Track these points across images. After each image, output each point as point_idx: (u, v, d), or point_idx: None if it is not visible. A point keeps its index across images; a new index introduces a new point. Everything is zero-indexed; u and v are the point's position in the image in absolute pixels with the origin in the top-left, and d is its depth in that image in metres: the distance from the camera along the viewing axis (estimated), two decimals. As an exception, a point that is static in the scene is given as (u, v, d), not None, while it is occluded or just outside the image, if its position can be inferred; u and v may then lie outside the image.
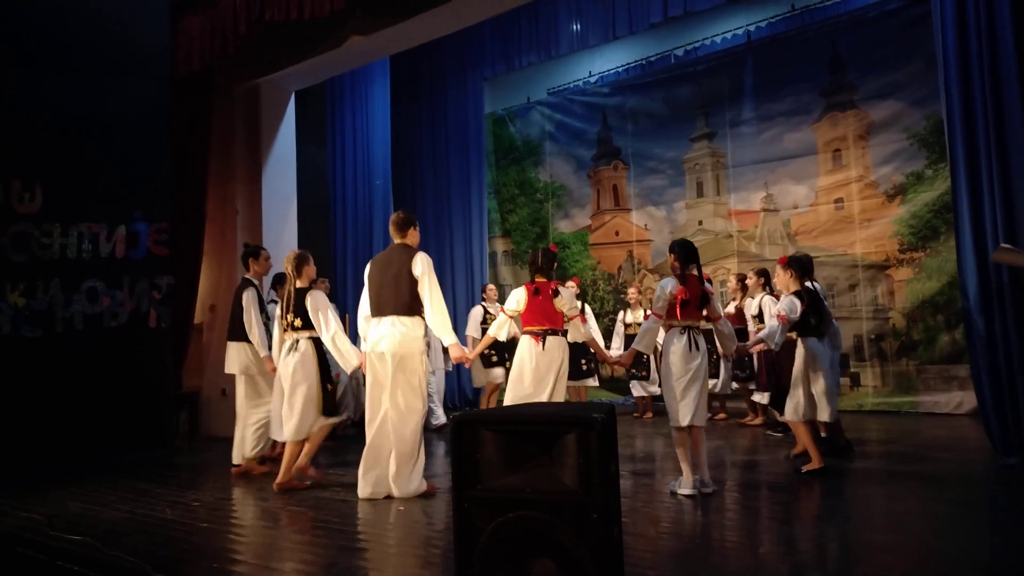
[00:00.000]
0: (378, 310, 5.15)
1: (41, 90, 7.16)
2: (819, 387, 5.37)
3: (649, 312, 5.21)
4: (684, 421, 4.82)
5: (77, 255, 7.23)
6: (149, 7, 7.72)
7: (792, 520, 4.47)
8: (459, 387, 10.19)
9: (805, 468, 5.32)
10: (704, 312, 5.00)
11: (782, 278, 5.62)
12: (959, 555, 3.61)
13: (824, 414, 5.39)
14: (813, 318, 5.41)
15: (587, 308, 8.52)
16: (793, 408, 5.41)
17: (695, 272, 5.00)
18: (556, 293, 5.35)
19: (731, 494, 4.98)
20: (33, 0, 7.18)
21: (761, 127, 9.28)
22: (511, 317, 5.54)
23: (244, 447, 6.18)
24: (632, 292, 8.97)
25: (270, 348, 5.97)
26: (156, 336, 7.58)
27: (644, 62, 10.25)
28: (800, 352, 5.45)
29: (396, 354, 5.03)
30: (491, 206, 11.25)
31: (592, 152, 10.74)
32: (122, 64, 7.53)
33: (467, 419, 2.80)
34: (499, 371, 8.18)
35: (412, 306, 5.08)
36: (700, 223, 9.77)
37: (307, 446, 5.52)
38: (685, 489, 4.82)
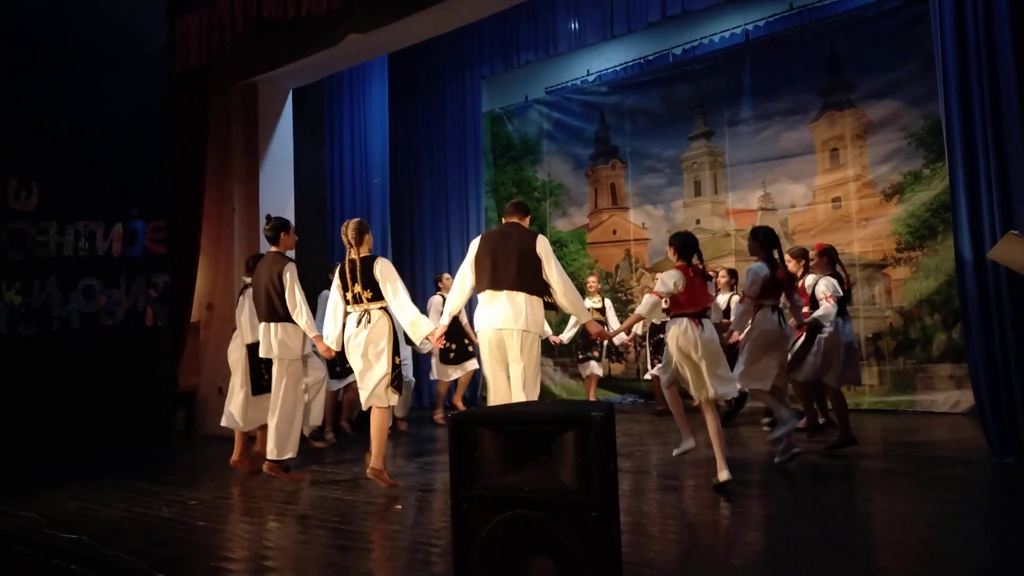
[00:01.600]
0: (499, 284, 4.94)
1: (38, 88, 7.14)
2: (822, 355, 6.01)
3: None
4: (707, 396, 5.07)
5: (74, 253, 7.21)
6: (146, 5, 7.71)
7: (790, 519, 4.47)
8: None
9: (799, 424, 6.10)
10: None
11: (819, 263, 6.33)
12: (957, 555, 3.61)
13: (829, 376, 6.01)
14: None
15: (607, 302, 8.85)
16: (750, 377, 5.63)
17: (697, 263, 5.24)
18: (708, 277, 5.49)
19: (729, 492, 4.98)
20: (30, -2, 7.18)
21: (759, 126, 9.28)
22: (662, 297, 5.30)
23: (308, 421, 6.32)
24: (591, 280, 9.07)
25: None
26: (153, 334, 7.57)
27: (642, 61, 10.25)
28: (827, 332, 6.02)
29: (522, 332, 4.86)
30: (489, 205, 11.23)
31: (590, 151, 10.73)
32: (119, 62, 7.51)
33: (465, 418, 2.79)
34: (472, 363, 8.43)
35: (536, 285, 4.93)
36: (698, 222, 9.77)
37: (376, 434, 5.29)
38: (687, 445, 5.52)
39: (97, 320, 7.27)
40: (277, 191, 8.73)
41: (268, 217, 6.05)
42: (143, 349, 7.50)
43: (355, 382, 7.34)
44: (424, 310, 6.94)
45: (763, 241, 5.52)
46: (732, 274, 7.99)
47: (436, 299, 8.59)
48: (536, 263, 4.92)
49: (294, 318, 5.58)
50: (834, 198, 8.77)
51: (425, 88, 11.00)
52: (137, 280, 7.49)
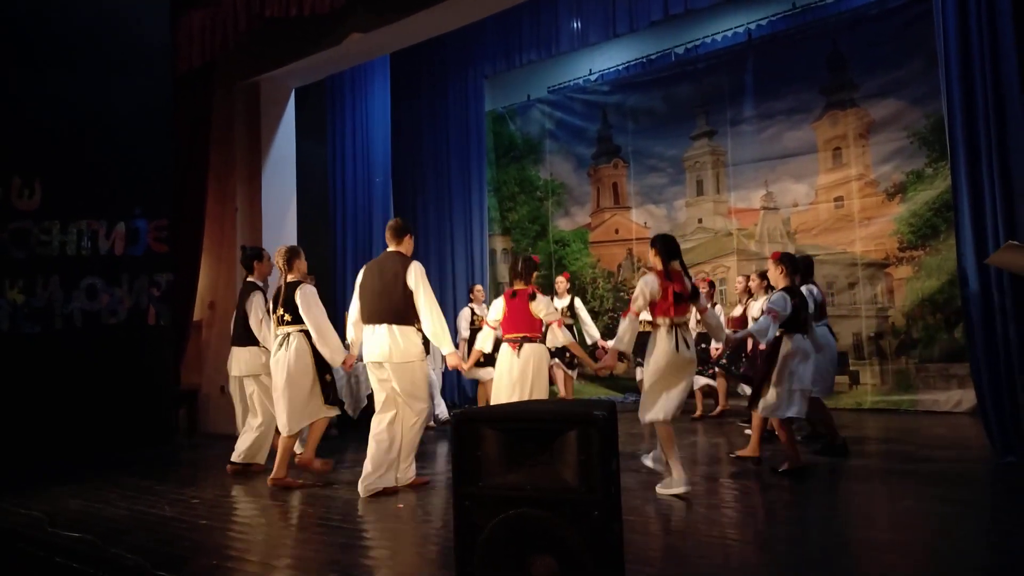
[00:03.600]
0: (370, 318, 5.17)
1: (41, 87, 7.15)
2: (795, 384, 5.32)
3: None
4: (668, 416, 4.74)
5: (76, 252, 7.22)
6: (149, 4, 7.72)
7: (792, 518, 4.47)
8: (459, 385, 10.19)
9: (782, 468, 5.31)
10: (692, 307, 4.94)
11: (772, 273, 5.61)
12: (959, 554, 3.61)
13: (792, 410, 5.30)
14: (802, 314, 5.42)
15: (577, 302, 8.24)
16: (772, 405, 5.35)
17: (679, 267, 4.92)
18: (532, 297, 5.39)
19: (731, 491, 4.99)
20: (33, -3, 7.18)
21: (761, 125, 9.27)
22: (494, 328, 5.59)
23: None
24: (560, 280, 8.50)
25: None
26: (155, 333, 7.58)
27: (644, 60, 10.25)
28: (785, 348, 5.38)
29: (395, 364, 5.06)
30: (491, 204, 11.24)
31: (592, 150, 10.73)
32: (122, 61, 7.51)
33: (468, 416, 2.79)
34: (487, 370, 8.25)
35: (407, 315, 5.10)
36: (700, 221, 9.77)
37: (309, 437, 5.58)
38: (678, 488, 4.72)
39: (99, 319, 7.27)
40: (279, 190, 8.73)
41: (243, 248, 6.50)
42: (145, 348, 7.50)
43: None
44: (450, 320, 7.04)
45: (660, 249, 4.89)
46: (764, 276, 7.02)
47: (465, 312, 8.52)
48: (408, 293, 5.08)
49: (259, 339, 6.04)
50: (836, 197, 8.76)
51: (427, 87, 11.00)
52: (139, 279, 7.49)
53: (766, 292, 7.09)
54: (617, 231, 10.53)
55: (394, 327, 5.07)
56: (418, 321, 5.13)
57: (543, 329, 5.51)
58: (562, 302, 8.26)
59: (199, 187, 8.44)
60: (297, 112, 9.08)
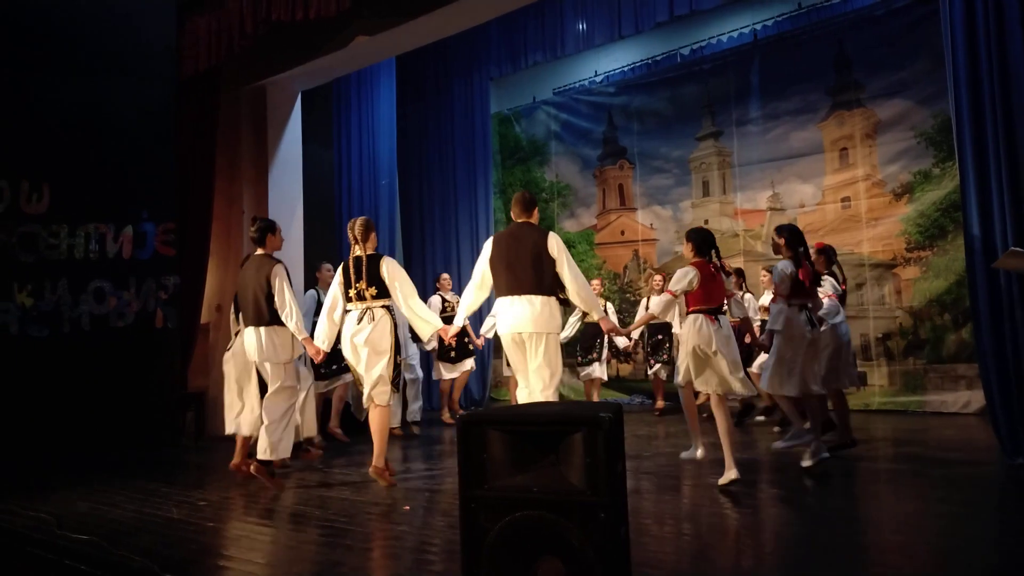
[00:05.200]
0: (510, 289, 5.02)
1: (49, 91, 7.19)
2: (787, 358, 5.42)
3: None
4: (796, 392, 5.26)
5: (84, 255, 7.25)
6: (156, 7, 7.74)
7: (799, 519, 4.45)
8: (465, 387, 10.17)
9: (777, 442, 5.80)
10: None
11: (818, 260, 5.95)
12: (968, 556, 3.59)
13: (790, 388, 5.41)
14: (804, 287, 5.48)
15: (609, 307, 8.71)
16: (779, 381, 5.44)
17: (716, 260, 5.26)
18: (726, 274, 5.49)
19: (739, 492, 4.97)
20: (41, 1, 7.21)
21: (767, 126, 9.25)
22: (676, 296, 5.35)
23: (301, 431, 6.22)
24: (594, 284, 8.68)
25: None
26: (163, 336, 7.60)
27: (650, 61, 10.24)
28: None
29: (539, 334, 4.95)
30: (497, 205, 11.23)
31: (598, 152, 10.72)
32: (129, 65, 7.55)
33: (473, 419, 2.79)
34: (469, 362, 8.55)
35: (551, 286, 4.99)
36: (706, 222, 9.74)
37: (377, 433, 5.31)
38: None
39: (107, 322, 7.30)
40: (286, 193, 8.75)
41: (254, 219, 5.99)
42: (153, 351, 7.53)
43: (343, 384, 7.40)
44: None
45: (788, 239, 5.42)
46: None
47: (435, 299, 8.56)
48: (550, 263, 4.99)
49: (284, 320, 5.45)
50: (843, 198, 8.74)
51: (433, 90, 11.02)
52: (147, 282, 7.52)
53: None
54: (623, 232, 10.52)
55: (541, 297, 4.95)
56: (561, 290, 5.03)
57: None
58: None
59: (206, 190, 8.46)
60: (303, 115, 9.10)
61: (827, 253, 6.12)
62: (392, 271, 5.33)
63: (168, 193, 7.73)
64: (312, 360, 5.85)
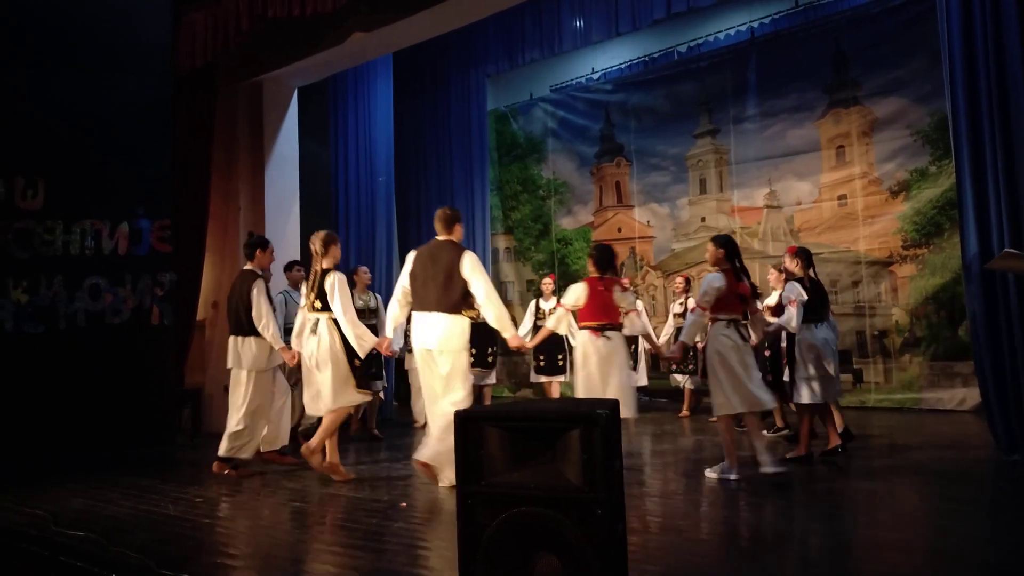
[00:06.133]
0: (422, 305, 5.19)
1: (44, 87, 7.15)
2: (812, 371, 5.57)
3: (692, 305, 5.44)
4: (745, 407, 5.07)
5: (80, 252, 7.22)
6: (152, 4, 7.70)
7: (796, 517, 4.46)
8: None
9: (791, 455, 5.53)
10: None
11: (790, 265, 5.88)
12: (964, 553, 3.60)
13: (807, 396, 5.58)
14: (817, 303, 5.66)
15: (640, 304, 8.30)
16: (809, 392, 5.55)
17: (740, 266, 5.29)
18: (618, 288, 5.52)
19: (735, 490, 4.98)
20: (35, -3, 7.19)
21: (764, 123, 9.25)
22: (570, 311, 5.63)
23: (274, 438, 6.27)
24: (546, 282, 8.66)
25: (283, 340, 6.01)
26: (159, 333, 7.58)
27: (647, 58, 10.23)
28: (805, 338, 5.60)
29: (445, 350, 5.09)
30: (494, 203, 11.23)
31: (595, 149, 10.72)
32: (125, 61, 7.52)
33: (471, 415, 2.79)
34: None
35: (459, 304, 5.12)
36: (703, 220, 9.76)
37: (325, 421, 5.56)
38: (731, 474, 5.06)
39: (103, 318, 7.28)
40: (282, 189, 8.73)
41: (250, 234, 6.33)
42: (149, 347, 7.50)
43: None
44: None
45: (727, 250, 5.30)
46: (781, 271, 7.43)
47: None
48: (461, 282, 5.11)
49: (260, 331, 5.88)
50: (840, 195, 8.75)
51: (430, 86, 11.00)
52: (143, 279, 7.49)
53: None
54: (620, 230, 10.52)
55: (447, 315, 5.10)
56: (470, 309, 5.16)
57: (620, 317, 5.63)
58: (548, 304, 8.33)
59: (202, 187, 8.44)
60: (300, 111, 9.08)
61: (803, 256, 5.90)
62: (332, 286, 5.47)
63: (164, 189, 7.70)
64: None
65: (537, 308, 8.48)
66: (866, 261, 8.52)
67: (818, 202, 8.90)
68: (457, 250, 5.20)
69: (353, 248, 10.08)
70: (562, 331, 5.99)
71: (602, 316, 5.47)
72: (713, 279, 5.16)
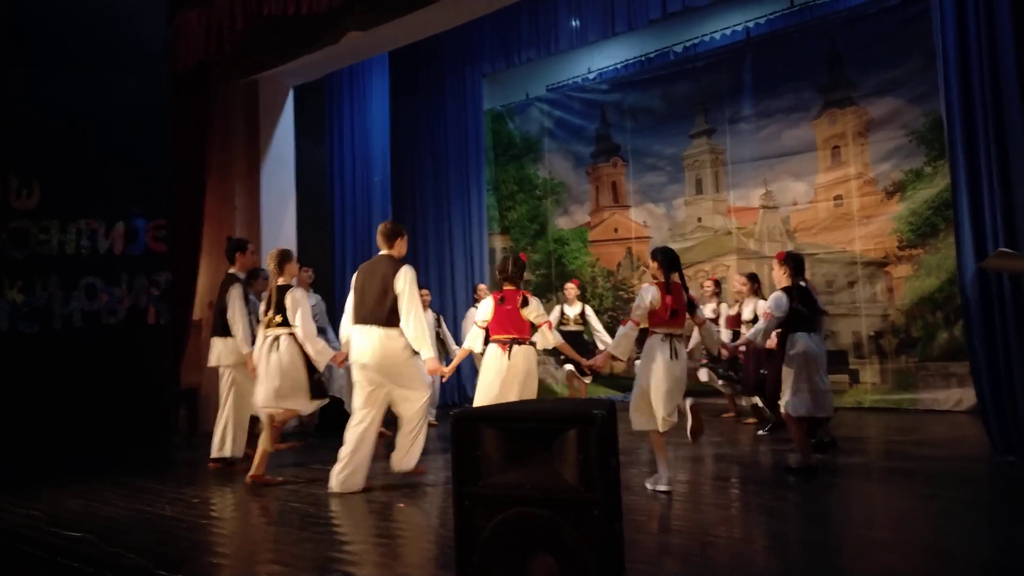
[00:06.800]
0: (361, 319, 5.22)
1: (39, 86, 7.13)
2: (821, 382, 5.27)
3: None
4: (663, 427, 4.80)
5: (75, 251, 7.21)
6: (147, 3, 7.69)
7: (792, 517, 4.47)
8: (459, 385, 10.18)
9: (794, 464, 5.28)
10: (689, 318, 5.03)
11: (777, 273, 5.58)
12: (960, 553, 3.61)
13: (804, 408, 5.24)
14: (807, 313, 5.37)
15: (588, 309, 8.14)
16: (795, 403, 5.25)
17: (678, 280, 4.97)
18: (525, 302, 5.35)
19: (731, 491, 4.99)
20: (31, -4, 7.17)
21: (760, 124, 9.27)
22: (482, 328, 5.51)
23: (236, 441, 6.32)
24: (570, 287, 8.33)
25: (253, 343, 6.00)
26: (155, 333, 7.57)
27: (643, 59, 10.24)
28: (796, 348, 5.31)
29: (381, 366, 5.13)
30: (490, 203, 11.23)
31: (591, 149, 10.72)
32: (120, 60, 7.50)
33: (467, 416, 2.79)
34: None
35: (391, 319, 5.15)
36: (699, 220, 9.77)
37: (265, 433, 5.63)
38: (662, 486, 4.82)
39: (99, 318, 7.26)
40: (278, 189, 8.72)
41: (228, 238, 6.59)
42: (145, 347, 7.49)
43: None
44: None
45: (661, 262, 4.95)
46: (752, 279, 7.37)
47: (472, 311, 8.06)
48: (393, 297, 5.14)
49: (233, 333, 6.12)
50: (836, 196, 8.76)
51: (426, 86, 11.00)
52: (139, 278, 7.48)
53: (754, 295, 7.20)
54: (616, 230, 10.53)
55: (382, 329, 5.14)
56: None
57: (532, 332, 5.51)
58: (573, 309, 8.13)
59: (198, 186, 8.43)
60: (296, 111, 9.07)
61: (793, 263, 5.53)
62: (295, 303, 5.51)
63: (159, 189, 7.69)
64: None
65: (562, 314, 8.20)
66: (862, 262, 8.54)
67: (814, 202, 8.92)
68: (395, 264, 5.23)
69: (348, 247, 10.08)
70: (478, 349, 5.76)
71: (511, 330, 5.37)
72: (643, 292, 4.96)
